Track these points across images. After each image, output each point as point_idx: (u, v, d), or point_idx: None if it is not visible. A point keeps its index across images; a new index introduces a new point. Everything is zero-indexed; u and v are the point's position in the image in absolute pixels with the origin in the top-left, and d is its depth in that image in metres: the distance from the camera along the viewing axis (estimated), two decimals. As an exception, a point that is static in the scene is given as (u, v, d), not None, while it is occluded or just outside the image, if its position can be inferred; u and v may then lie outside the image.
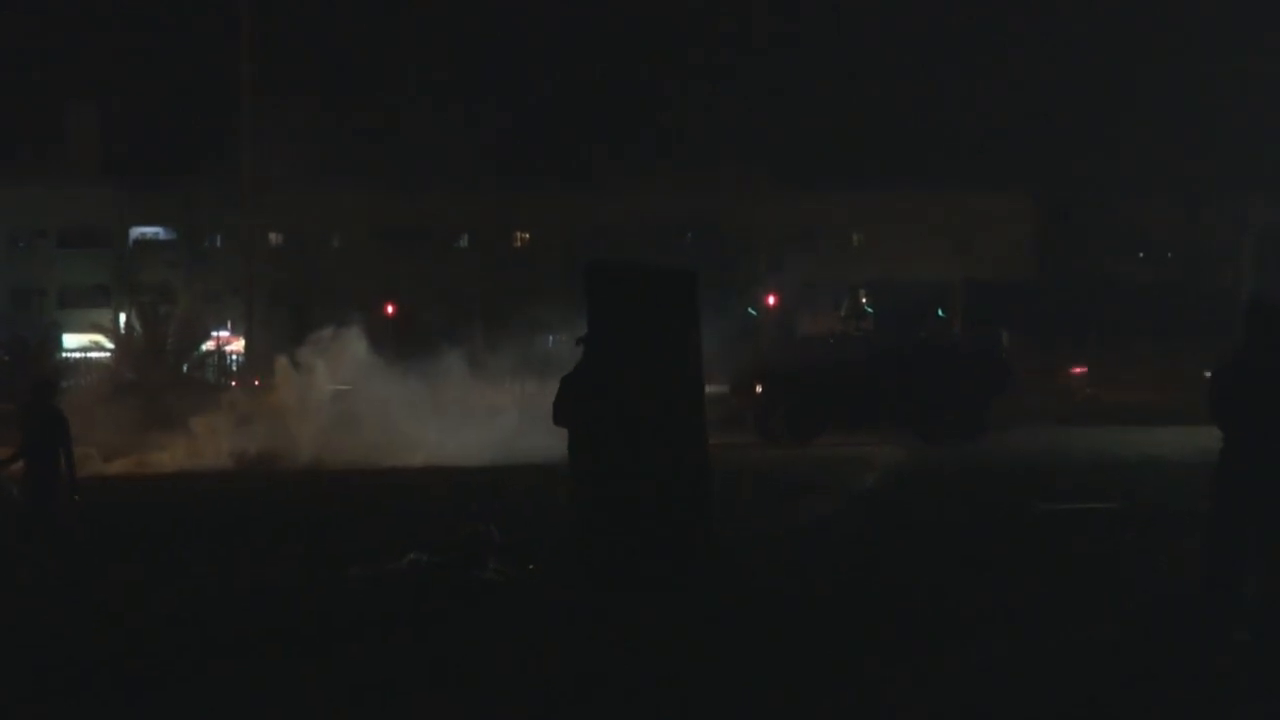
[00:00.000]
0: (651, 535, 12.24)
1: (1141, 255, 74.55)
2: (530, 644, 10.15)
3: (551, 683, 9.10)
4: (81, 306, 70.23)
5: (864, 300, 34.50)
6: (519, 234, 73.47)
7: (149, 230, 74.49)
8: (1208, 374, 9.84)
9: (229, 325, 64.04)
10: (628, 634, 10.32)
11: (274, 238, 69.35)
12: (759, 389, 30.52)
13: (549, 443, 14.97)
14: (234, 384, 54.62)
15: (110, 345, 57.26)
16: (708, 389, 13.29)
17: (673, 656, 9.64)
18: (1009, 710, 8.44)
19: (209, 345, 58.40)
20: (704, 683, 9.00)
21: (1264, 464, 9.10)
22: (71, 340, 66.17)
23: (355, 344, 28.93)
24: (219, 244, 71.26)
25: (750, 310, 53.83)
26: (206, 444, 27.76)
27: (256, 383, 48.79)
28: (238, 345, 60.81)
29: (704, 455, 12.86)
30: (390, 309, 64.35)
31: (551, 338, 29.95)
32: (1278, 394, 9.12)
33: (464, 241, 74.16)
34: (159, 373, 46.90)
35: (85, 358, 59.20)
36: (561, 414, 12.93)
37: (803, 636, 10.15)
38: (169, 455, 27.46)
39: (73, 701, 9.05)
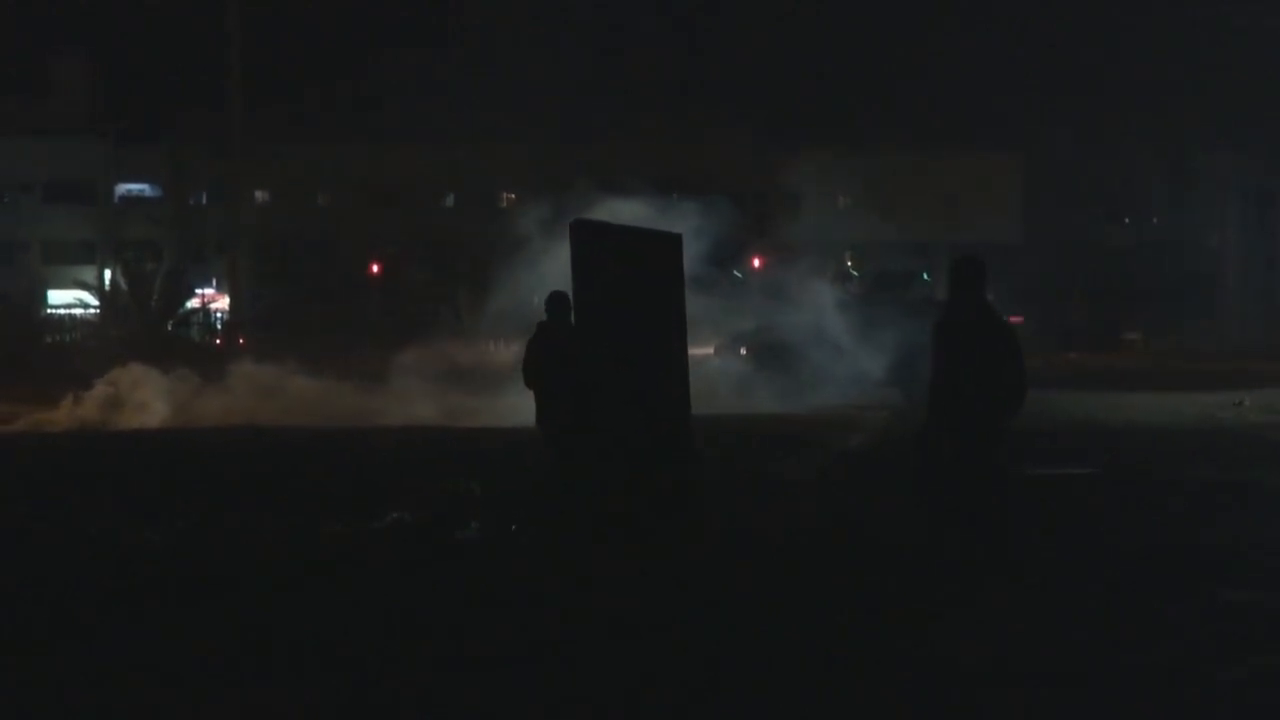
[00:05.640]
0: (610, 514, 11.83)
1: (1127, 221, 74.65)
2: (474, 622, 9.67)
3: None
4: (66, 263, 69.99)
5: (849, 263, 34.38)
6: (505, 195, 73.32)
7: (135, 186, 74.30)
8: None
9: (214, 282, 63.92)
10: (563, 618, 9.66)
11: (260, 195, 69.20)
12: (743, 351, 30.55)
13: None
14: (219, 342, 54.59)
15: (94, 302, 57.03)
16: (692, 351, 13.20)
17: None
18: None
19: (194, 303, 58.17)
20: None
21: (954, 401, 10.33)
22: (56, 297, 65.94)
23: None
24: (204, 201, 71.10)
25: (735, 273, 53.81)
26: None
27: (240, 342, 48.79)
28: (223, 303, 60.72)
29: (681, 427, 12.50)
30: (376, 268, 64.38)
31: (537, 298, 29.93)
32: (972, 343, 10.30)
33: (449, 201, 74.06)
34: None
35: (70, 314, 58.99)
36: (530, 376, 12.87)
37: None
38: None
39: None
